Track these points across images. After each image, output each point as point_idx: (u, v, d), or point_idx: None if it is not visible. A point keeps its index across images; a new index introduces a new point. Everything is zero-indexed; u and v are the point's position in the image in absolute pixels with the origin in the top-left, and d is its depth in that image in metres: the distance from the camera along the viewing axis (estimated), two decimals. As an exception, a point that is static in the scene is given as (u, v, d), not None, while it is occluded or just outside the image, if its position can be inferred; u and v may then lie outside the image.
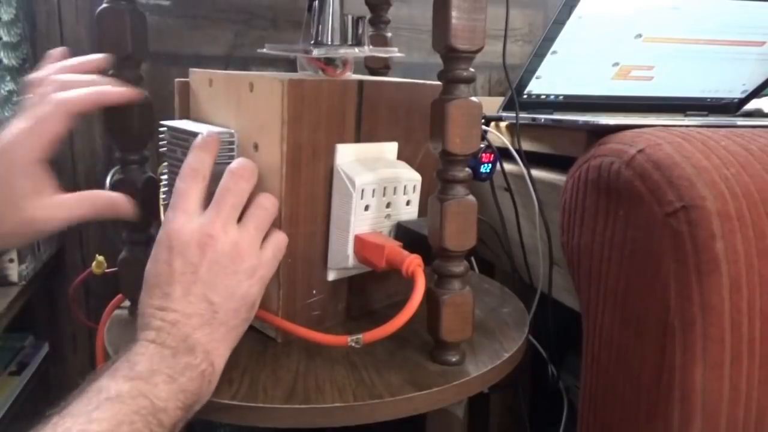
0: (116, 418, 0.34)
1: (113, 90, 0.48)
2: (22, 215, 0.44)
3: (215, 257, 0.43)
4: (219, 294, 0.43)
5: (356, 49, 0.53)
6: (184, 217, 0.44)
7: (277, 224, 0.48)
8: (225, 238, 0.44)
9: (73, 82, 0.46)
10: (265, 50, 0.53)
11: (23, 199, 0.44)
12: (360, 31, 0.53)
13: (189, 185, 0.45)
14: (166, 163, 0.52)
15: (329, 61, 0.53)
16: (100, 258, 0.60)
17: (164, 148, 0.52)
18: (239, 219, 0.45)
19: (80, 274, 0.62)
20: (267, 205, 0.47)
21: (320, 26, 0.52)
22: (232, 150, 0.50)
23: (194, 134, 0.48)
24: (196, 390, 0.40)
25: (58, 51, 0.50)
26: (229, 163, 0.49)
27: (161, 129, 0.52)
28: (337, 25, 0.52)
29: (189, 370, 0.40)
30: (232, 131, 0.50)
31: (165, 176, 0.52)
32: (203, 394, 0.41)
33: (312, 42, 0.53)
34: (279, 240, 0.47)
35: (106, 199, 0.49)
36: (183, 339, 0.41)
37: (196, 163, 0.46)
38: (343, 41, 0.53)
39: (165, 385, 0.38)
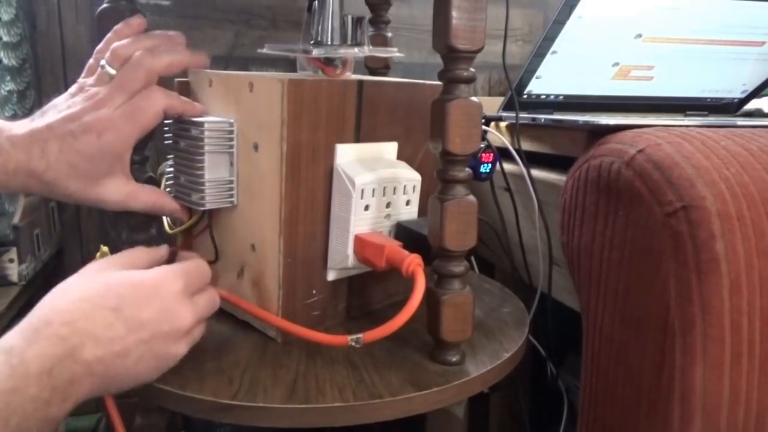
0: None
1: (195, 56, 0.50)
2: (97, 192, 0.45)
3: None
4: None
5: (356, 49, 0.53)
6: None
7: (277, 224, 0.48)
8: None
9: (157, 46, 0.48)
10: (265, 50, 0.53)
11: (103, 179, 0.45)
12: (360, 31, 0.53)
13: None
14: (170, 159, 0.53)
15: (329, 61, 0.53)
16: (105, 248, 0.59)
17: (169, 141, 0.52)
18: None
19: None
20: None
21: (320, 26, 0.52)
22: (231, 139, 0.50)
23: (198, 124, 0.49)
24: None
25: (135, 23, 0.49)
26: (228, 151, 0.50)
27: (166, 123, 0.52)
28: (337, 25, 0.52)
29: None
30: (231, 120, 0.50)
31: (170, 170, 0.53)
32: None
33: (312, 42, 0.53)
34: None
35: (168, 204, 0.51)
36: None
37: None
38: (343, 41, 0.53)
39: None
